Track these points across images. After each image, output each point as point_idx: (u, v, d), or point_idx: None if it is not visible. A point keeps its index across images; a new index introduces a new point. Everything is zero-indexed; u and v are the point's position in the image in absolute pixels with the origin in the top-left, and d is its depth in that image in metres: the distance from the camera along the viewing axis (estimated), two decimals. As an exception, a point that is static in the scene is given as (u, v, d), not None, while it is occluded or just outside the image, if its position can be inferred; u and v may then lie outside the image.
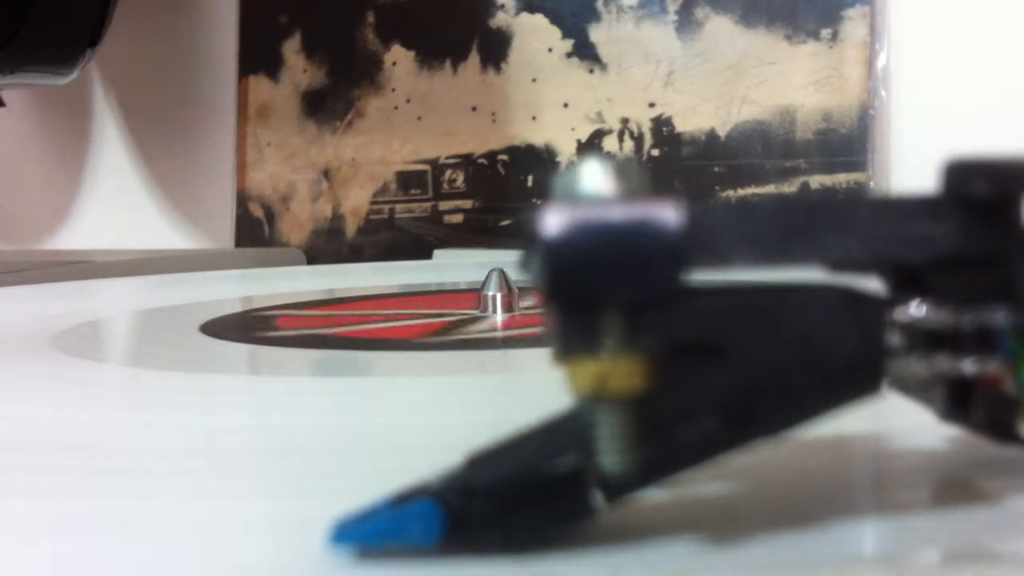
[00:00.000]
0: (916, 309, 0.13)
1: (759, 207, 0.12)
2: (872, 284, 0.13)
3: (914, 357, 0.13)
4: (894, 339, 0.13)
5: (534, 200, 0.67)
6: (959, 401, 0.13)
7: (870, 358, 0.12)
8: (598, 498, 0.12)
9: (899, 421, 0.16)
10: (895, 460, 0.16)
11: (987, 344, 0.13)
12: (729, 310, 0.12)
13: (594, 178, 0.12)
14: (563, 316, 0.12)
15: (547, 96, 0.67)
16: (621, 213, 0.11)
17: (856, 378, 0.12)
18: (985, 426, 0.13)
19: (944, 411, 0.13)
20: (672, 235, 0.11)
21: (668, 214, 0.11)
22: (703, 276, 0.12)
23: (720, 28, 0.62)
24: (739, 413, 0.12)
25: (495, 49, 0.69)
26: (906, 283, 0.13)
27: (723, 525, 0.13)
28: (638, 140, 0.64)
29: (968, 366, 0.13)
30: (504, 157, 0.68)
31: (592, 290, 0.11)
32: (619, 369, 0.12)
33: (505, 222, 0.68)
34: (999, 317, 0.12)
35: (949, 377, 0.13)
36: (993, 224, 0.12)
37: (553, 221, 0.11)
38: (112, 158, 0.86)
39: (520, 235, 0.12)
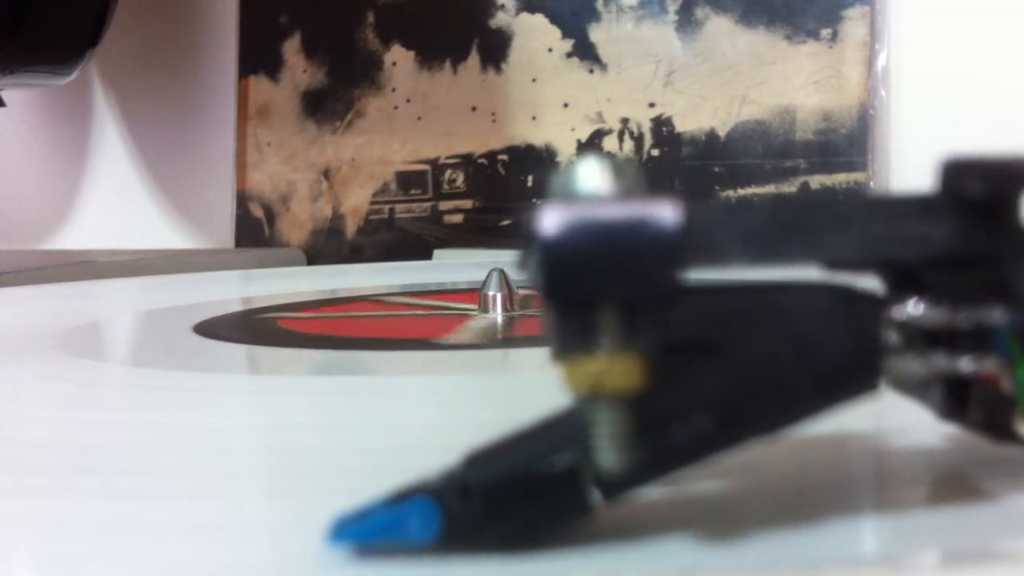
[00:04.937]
0: (913, 308, 0.13)
1: (755, 206, 0.12)
2: (869, 283, 0.13)
3: (911, 356, 0.13)
4: (891, 338, 0.13)
5: (534, 200, 0.67)
6: (957, 400, 0.13)
7: (867, 357, 0.12)
8: (595, 496, 0.12)
9: (898, 419, 0.16)
10: (894, 458, 0.16)
11: (984, 343, 0.13)
12: (726, 309, 0.12)
13: (591, 177, 0.12)
14: (560, 315, 0.12)
15: (547, 96, 0.67)
16: (618, 212, 0.11)
17: (853, 377, 0.12)
18: (982, 425, 0.13)
19: (942, 410, 0.13)
20: (668, 234, 0.11)
21: (665, 213, 0.12)
22: (700, 275, 0.12)
23: (720, 28, 0.62)
24: (736, 412, 0.12)
25: (495, 49, 0.69)
26: (903, 282, 0.13)
27: (721, 523, 0.13)
28: (638, 140, 0.64)
29: (964, 365, 0.13)
30: (504, 157, 0.68)
31: (589, 289, 0.11)
32: (616, 368, 0.12)
33: (505, 222, 0.68)
34: (995, 316, 0.12)
35: (946, 376, 0.13)
36: (989, 223, 0.12)
37: (550, 220, 0.11)
38: (112, 158, 0.86)
39: (519, 235, 0.12)
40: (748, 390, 0.12)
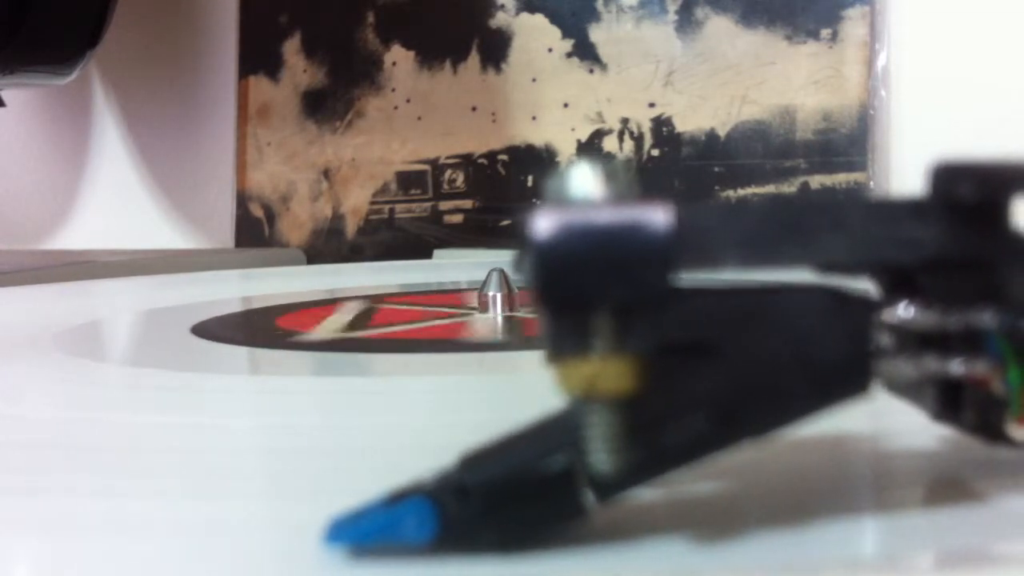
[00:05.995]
0: (904, 310, 0.13)
1: (749, 208, 0.12)
2: (861, 285, 0.13)
3: (903, 358, 0.13)
4: (884, 340, 0.13)
5: (534, 200, 0.67)
6: (949, 402, 0.13)
7: (858, 359, 0.12)
8: (589, 498, 0.12)
9: (893, 421, 0.16)
10: (889, 460, 0.16)
11: (975, 345, 0.13)
12: (719, 311, 0.12)
13: (584, 181, 0.12)
14: (554, 317, 0.12)
15: (547, 96, 0.67)
16: (611, 215, 0.12)
17: (844, 378, 0.13)
18: (975, 427, 0.13)
19: (935, 412, 0.13)
20: (661, 237, 0.12)
21: (657, 216, 0.12)
22: (693, 277, 0.12)
23: (720, 28, 0.62)
24: (729, 413, 0.12)
25: (495, 49, 0.69)
26: (895, 284, 0.13)
27: (715, 524, 0.13)
28: (638, 140, 0.64)
29: (956, 367, 0.13)
30: (504, 157, 0.68)
31: (582, 291, 0.12)
32: (609, 370, 0.12)
33: (505, 222, 0.68)
34: (986, 318, 0.12)
35: (939, 378, 0.13)
36: (980, 226, 0.12)
37: (544, 224, 0.12)
38: (112, 158, 0.87)
39: (518, 236, 0.12)
40: (741, 392, 0.12)
